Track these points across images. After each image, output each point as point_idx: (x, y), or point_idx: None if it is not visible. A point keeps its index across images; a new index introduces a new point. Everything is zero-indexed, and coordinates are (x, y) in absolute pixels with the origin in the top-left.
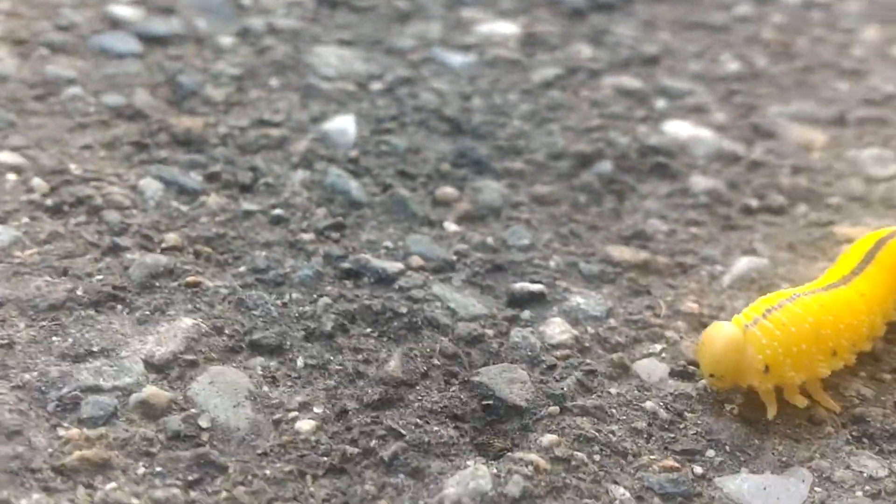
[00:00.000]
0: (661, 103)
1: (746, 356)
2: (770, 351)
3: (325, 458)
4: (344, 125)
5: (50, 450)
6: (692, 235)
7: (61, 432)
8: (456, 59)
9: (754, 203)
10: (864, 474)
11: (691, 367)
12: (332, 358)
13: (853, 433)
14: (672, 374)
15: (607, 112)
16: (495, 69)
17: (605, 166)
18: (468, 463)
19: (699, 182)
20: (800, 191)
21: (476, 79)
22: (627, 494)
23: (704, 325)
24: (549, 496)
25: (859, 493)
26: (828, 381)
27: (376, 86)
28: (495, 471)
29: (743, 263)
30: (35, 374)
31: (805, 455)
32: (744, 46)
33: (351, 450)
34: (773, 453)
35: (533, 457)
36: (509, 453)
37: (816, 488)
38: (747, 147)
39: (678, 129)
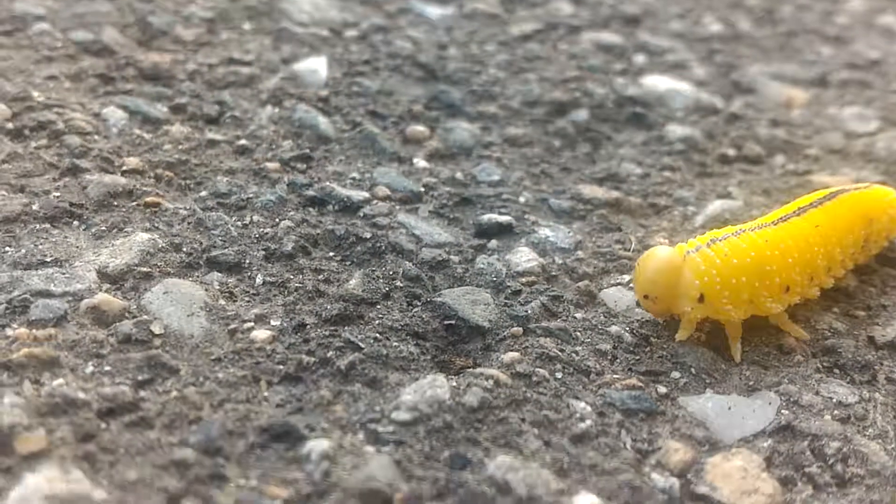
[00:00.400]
0: (640, 59)
1: (683, 281)
2: (708, 279)
3: (281, 367)
4: (315, 66)
5: None
6: (666, 179)
7: (9, 332)
8: (434, 11)
9: (731, 152)
10: (834, 400)
11: None
12: (291, 277)
13: (824, 363)
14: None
15: (585, 65)
16: (473, 22)
17: (581, 114)
18: (428, 377)
19: (675, 131)
20: (778, 142)
21: (453, 30)
22: (589, 409)
23: None
24: (508, 408)
25: (827, 417)
26: (799, 315)
27: (351, 32)
28: (454, 383)
29: (716, 205)
30: None
31: (773, 380)
32: (727, 10)
33: (307, 359)
34: (739, 378)
35: (494, 372)
36: (470, 370)
37: (783, 411)
38: (726, 101)
39: (657, 82)
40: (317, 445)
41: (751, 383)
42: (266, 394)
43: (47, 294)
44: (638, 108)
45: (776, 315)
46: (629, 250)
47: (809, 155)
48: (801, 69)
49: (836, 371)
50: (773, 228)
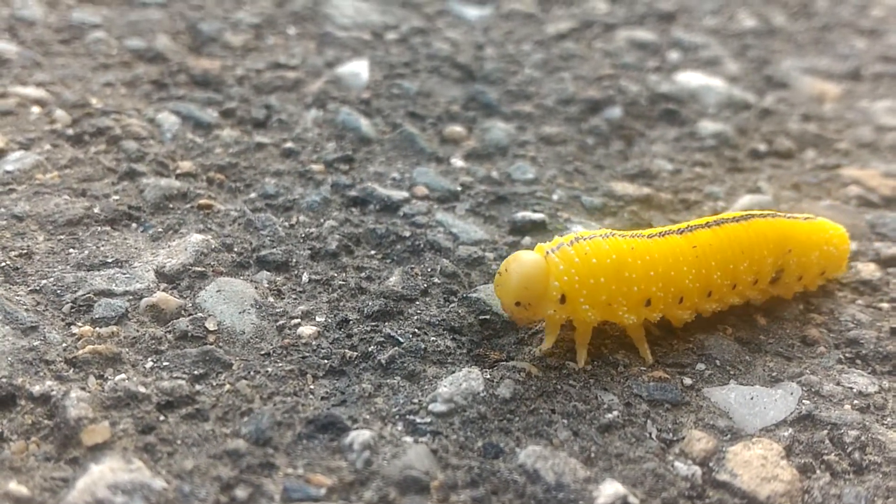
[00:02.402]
0: (674, 55)
1: (548, 283)
2: (567, 278)
3: (326, 361)
4: (357, 69)
5: (64, 345)
6: (697, 175)
7: (74, 329)
8: (471, 12)
9: (762, 147)
10: (854, 390)
11: None
12: (335, 275)
13: (846, 354)
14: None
15: (619, 62)
16: (510, 22)
17: (615, 112)
18: (463, 370)
19: (707, 126)
20: (809, 137)
21: (490, 30)
22: (616, 400)
23: None
24: (539, 399)
25: (847, 407)
26: (823, 307)
27: (391, 35)
28: (488, 376)
29: (746, 200)
30: (51, 279)
31: (795, 371)
32: (762, 5)
33: (350, 353)
34: (763, 369)
35: (526, 365)
36: (503, 363)
37: (805, 401)
38: (758, 96)
39: (690, 78)
40: (359, 436)
41: (774, 374)
42: (312, 387)
43: (109, 293)
44: (671, 104)
45: (631, 328)
46: None
47: (840, 149)
48: (835, 63)
49: (858, 362)
50: (645, 240)
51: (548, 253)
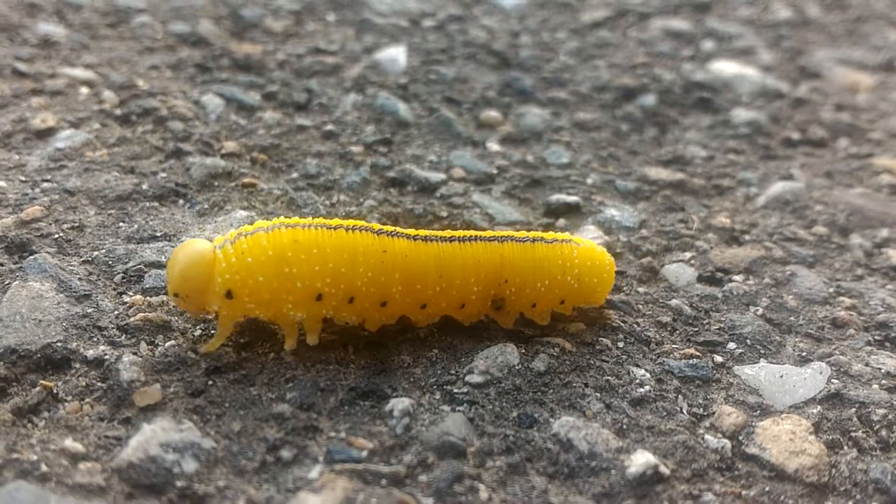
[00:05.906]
0: (708, 45)
1: (214, 278)
2: (229, 276)
3: (366, 333)
4: (395, 55)
5: (116, 312)
6: (730, 161)
7: (126, 298)
8: (507, 0)
9: (795, 136)
10: (883, 370)
11: (719, 273)
12: None
13: (876, 337)
14: (700, 279)
15: (654, 51)
16: (545, 10)
17: (649, 99)
18: (499, 344)
19: (741, 115)
20: (842, 126)
21: (526, 18)
22: (648, 376)
23: (735, 239)
24: (573, 373)
25: (875, 386)
26: (853, 290)
27: (428, 22)
28: (524, 350)
29: (778, 186)
30: (103, 251)
31: (825, 351)
32: None
33: (389, 326)
34: (793, 349)
35: (560, 340)
36: (538, 338)
37: (833, 380)
38: (792, 86)
39: (724, 67)
40: (398, 403)
41: (803, 354)
42: (353, 356)
43: (159, 265)
44: (705, 92)
45: (281, 318)
46: (691, 229)
47: (872, 139)
48: (868, 54)
49: (887, 344)
50: (322, 230)
51: (216, 248)
